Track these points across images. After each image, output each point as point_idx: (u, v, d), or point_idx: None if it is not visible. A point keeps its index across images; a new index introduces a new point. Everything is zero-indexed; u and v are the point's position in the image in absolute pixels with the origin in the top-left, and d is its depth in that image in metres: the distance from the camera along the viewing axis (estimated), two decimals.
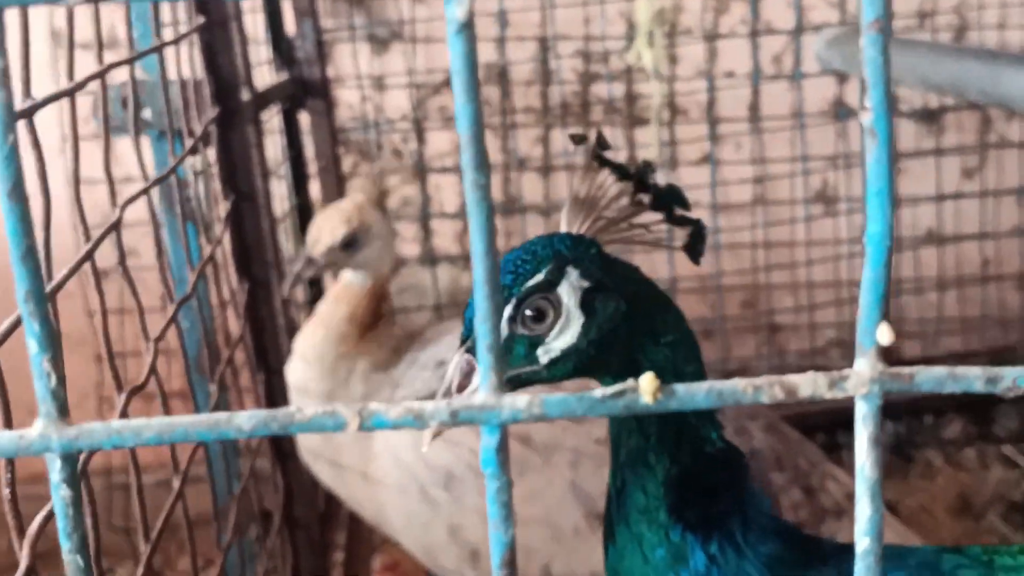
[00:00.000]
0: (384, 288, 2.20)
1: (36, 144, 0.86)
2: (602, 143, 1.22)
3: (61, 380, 0.37)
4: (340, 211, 2.14)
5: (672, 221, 1.21)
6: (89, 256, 0.93)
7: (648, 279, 1.12)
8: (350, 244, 2.09)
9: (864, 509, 0.38)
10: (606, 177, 1.19)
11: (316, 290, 2.73)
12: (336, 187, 2.86)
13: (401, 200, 3.11)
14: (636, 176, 1.20)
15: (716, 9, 3.23)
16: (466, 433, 1.99)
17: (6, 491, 0.73)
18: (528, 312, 1.05)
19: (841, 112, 3.33)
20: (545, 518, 1.92)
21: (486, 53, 3.11)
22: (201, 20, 1.58)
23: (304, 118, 2.90)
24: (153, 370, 1.05)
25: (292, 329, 2.16)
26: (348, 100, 3.14)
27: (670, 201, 1.20)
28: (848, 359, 3.01)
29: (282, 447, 1.70)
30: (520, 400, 0.38)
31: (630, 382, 0.38)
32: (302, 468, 1.90)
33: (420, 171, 3.15)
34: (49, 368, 0.37)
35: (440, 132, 3.18)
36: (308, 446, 1.97)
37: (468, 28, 0.37)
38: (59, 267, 0.89)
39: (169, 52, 1.52)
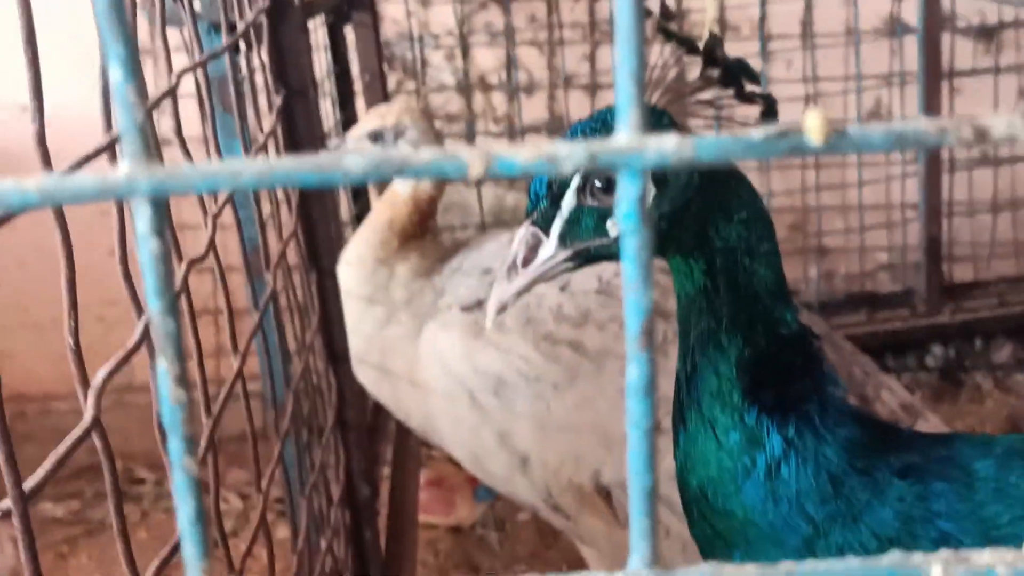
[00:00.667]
0: (430, 202, 2.17)
1: None
2: (666, 14, 1.17)
3: (149, 115, 0.33)
4: (380, 108, 2.21)
5: (741, 97, 1.16)
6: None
7: None
8: (377, 139, 2.11)
9: None
10: (675, 50, 1.14)
11: (363, 203, 2.70)
12: (382, 103, 2.81)
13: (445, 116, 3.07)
14: (705, 50, 1.15)
15: None
16: (516, 340, 1.96)
17: (70, 340, 0.69)
18: (597, 183, 1.01)
19: (897, 28, 3.22)
20: (596, 425, 1.89)
21: None
22: None
23: (348, 35, 2.84)
24: (212, 245, 1.01)
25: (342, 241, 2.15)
26: (393, 15, 3.08)
27: (739, 75, 1.15)
28: (899, 283, 2.92)
29: (335, 349, 1.67)
30: (668, 141, 0.33)
31: (794, 121, 0.33)
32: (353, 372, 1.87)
33: (465, 88, 3.09)
34: (135, 99, 0.32)
35: (486, 48, 3.11)
36: (354, 352, 1.94)
37: None
38: None
39: None
